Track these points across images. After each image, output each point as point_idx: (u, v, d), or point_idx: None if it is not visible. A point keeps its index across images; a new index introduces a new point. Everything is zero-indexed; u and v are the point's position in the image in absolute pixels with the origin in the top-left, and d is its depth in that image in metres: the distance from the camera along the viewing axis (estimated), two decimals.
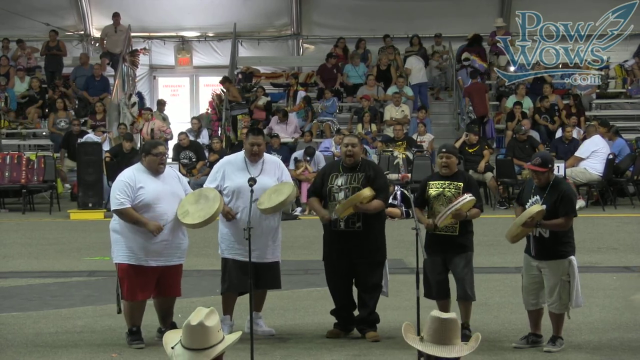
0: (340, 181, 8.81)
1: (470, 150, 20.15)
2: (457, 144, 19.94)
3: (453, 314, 5.33)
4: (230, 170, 8.87)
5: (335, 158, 18.65)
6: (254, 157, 8.87)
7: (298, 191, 17.43)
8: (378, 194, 8.70)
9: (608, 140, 20.11)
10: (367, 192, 8.59)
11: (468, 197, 8.52)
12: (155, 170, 8.58)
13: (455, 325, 5.24)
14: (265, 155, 9.02)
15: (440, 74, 25.83)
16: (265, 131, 21.06)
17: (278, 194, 8.64)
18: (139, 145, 21.28)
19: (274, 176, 8.89)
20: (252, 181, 8.40)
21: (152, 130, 22.04)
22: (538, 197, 8.36)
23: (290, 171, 19.00)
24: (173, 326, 8.28)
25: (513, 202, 11.56)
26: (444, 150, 8.85)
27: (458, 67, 24.87)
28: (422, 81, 24.57)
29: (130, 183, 8.48)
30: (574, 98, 23.01)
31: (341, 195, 8.72)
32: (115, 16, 25.40)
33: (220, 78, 24.25)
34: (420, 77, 24.57)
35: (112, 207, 8.53)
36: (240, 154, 9.02)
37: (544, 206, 8.21)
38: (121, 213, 8.43)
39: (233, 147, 20.89)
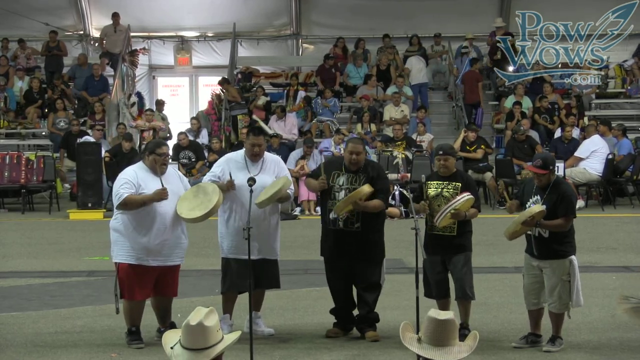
0: (341, 180, 8.81)
1: (469, 149, 20.17)
2: (457, 143, 19.95)
3: (450, 314, 5.31)
4: (230, 168, 8.87)
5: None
6: (254, 157, 8.89)
7: (296, 192, 17.48)
8: (378, 194, 8.70)
9: (612, 138, 20.11)
10: (366, 188, 8.59)
11: (467, 195, 8.52)
12: (158, 170, 8.58)
13: (452, 326, 5.23)
14: (266, 154, 9.02)
15: (440, 73, 25.87)
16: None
17: (272, 187, 8.66)
18: (137, 145, 21.27)
19: (273, 174, 8.91)
20: (251, 181, 8.41)
21: (154, 130, 22.03)
22: (538, 197, 8.37)
23: (291, 170, 19.01)
24: (172, 326, 8.28)
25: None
26: (441, 152, 8.83)
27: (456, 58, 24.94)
28: (422, 81, 24.57)
29: (132, 180, 8.48)
30: (576, 99, 22.97)
31: (341, 194, 8.73)
32: (115, 16, 25.39)
33: (219, 78, 24.24)
34: (420, 77, 24.56)
35: (116, 204, 8.50)
36: (241, 152, 9.03)
37: (545, 206, 8.22)
38: (125, 204, 8.39)
39: (233, 147, 20.87)
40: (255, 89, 24.23)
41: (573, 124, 21.55)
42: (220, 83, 23.71)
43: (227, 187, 8.69)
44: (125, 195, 8.37)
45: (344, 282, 8.90)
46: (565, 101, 23.18)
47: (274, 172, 8.93)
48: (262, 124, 21.72)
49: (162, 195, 8.36)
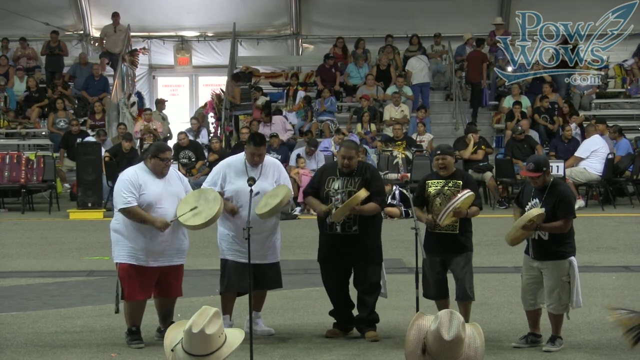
0: (337, 185, 8.81)
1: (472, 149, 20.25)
2: (469, 151, 20.00)
3: (458, 332, 5.15)
4: (229, 173, 8.87)
5: (335, 158, 18.61)
6: (254, 164, 8.89)
7: (295, 192, 17.45)
8: (374, 196, 8.71)
9: (610, 140, 20.11)
10: (362, 193, 8.59)
11: (468, 192, 8.52)
12: (160, 172, 8.60)
13: (459, 345, 5.13)
14: (265, 157, 9.01)
15: (440, 73, 25.91)
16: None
17: (274, 198, 8.66)
18: (137, 145, 21.26)
19: (273, 179, 8.90)
20: (251, 180, 8.41)
21: (155, 130, 22.01)
22: (537, 200, 8.36)
23: (291, 168, 19.00)
24: None
25: (512, 202, 11.58)
26: (438, 152, 8.84)
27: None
28: (423, 81, 24.53)
29: (134, 181, 8.49)
30: (567, 101, 22.96)
31: (337, 198, 8.72)
32: (115, 16, 25.39)
33: (219, 78, 24.25)
34: (421, 77, 24.53)
35: (119, 207, 8.49)
36: (241, 156, 9.01)
37: (544, 209, 8.21)
38: (128, 212, 8.41)
39: (233, 148, 20.86)
40: (252, 90, 24.21)
41: (579, 122, 21.56)
42: (233, 78, 23.74)
43: (229, 211, 8.70)
44: (132, 205, 8.39)
45: (340, 283, 8.89)
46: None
47: (274, 176, 8.92)
48: None
49: (164, 227, 8.38)
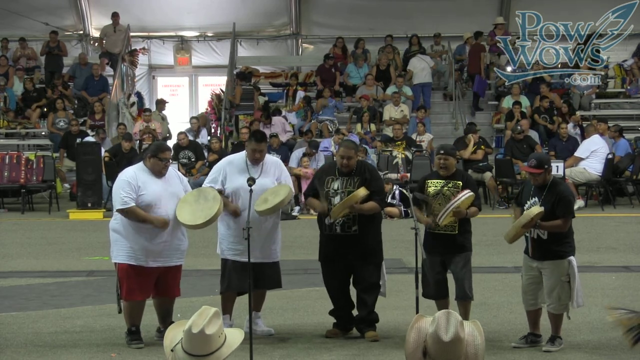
0: (336, 185, 8.81)
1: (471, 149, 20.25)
2: (469, 151, 19.99)
3: (456, 332, 5.16)
4: (230, 171, 8.87)
5: (334, 158, 18.60)
6: (255, 161, 8.90)
7: (296, 191, 17.46)
8: (374, 196, 8.71)
9: (610, 139, 20.11)
10: (361, 192, 8.59)
11: (467, 193, 8.52)
12: (159, 172, 8.60)
13: (458, 345, 5.13)
14: (266, 156, 9.02)
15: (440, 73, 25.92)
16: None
17: (275, 196, 8.65)
18: (137, 145, 21.26)
19: (274, 177, 8.90)
20: (251, 181, 8.41)
21: (153, 130, 21.99)
22: (536, 199, 8.37)
23: (293, 169, 19.00)
24: None
25: (512, 202, 11.57)
26: (441, 152, 8.83)
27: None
28: (425, 81, 24.52)
29: (132, 182, 8.49)
30: (565, 101, 22.99)
31: (337, 199, 8.72)
32: (114, 16, 25.41)
33: (218, 78, 24.27)
34: (423, 76, 24.52)
35: (117, 207, 8.49)
36: (242, 154, 9.01)
37: (542, 208, 8.22)
38: (126, 212, 8.41)
39: (234, 147, 20.86)
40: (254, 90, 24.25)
41: (576, 120, 21.57)
42: (238, 75, 23.74)
43: (232, 213, 8.69)
44: (130, 205, 8.39)
45: (341, 283, 8.90)
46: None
47: (274, 174, 8.93)
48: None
49: (164, 225, 8.40)
